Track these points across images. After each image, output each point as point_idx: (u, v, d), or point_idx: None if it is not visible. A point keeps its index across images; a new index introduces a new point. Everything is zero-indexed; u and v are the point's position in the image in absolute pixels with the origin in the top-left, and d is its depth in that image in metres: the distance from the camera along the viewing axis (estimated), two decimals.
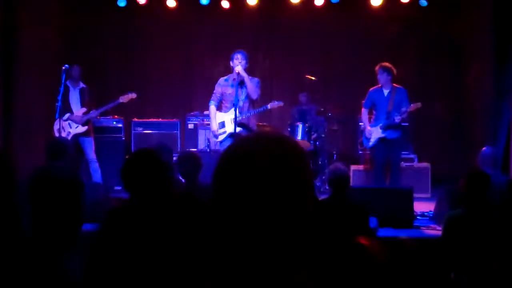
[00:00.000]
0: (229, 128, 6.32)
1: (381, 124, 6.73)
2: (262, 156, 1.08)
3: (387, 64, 6.74)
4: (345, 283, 1.22)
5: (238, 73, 6.21)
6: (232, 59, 6.29)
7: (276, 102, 6.68)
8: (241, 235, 1.05)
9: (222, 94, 6.42)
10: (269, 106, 6.60)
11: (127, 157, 3.01)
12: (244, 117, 6.33)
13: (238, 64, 6.21)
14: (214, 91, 6.47)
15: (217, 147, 7.06)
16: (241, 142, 1.13)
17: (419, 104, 6.61)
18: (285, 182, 1.06)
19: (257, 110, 6.54)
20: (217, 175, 1.11)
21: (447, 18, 8.95)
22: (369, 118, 7.03)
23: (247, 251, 1.05)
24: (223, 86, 6.41)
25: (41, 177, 3.80)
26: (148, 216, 2.30)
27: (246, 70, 6.35)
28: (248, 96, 6.36)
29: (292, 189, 1.07)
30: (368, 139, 6.85)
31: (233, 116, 6.22)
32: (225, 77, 6.47)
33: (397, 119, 6.65)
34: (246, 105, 6.39)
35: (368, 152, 7.44)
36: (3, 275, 2.05)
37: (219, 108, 6.52)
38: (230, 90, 6.34)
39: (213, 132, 6.50)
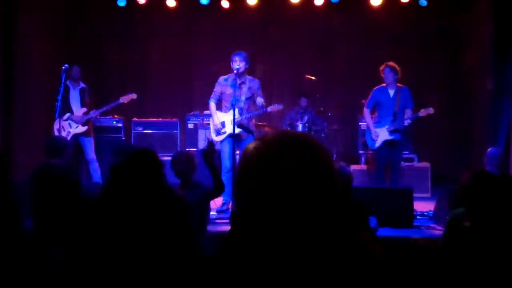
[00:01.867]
0: (229, 128, 6.33)
1: (387, 126, 6.70)
2: (289, 156, 1.06)
3: (394, 64, 6.71)
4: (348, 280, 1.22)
5: (237, 74, 6.23)
6: (231, 60, 6.33)
7: (276, 105, 6.72)
8: (264, 234, 1.04)
9: (221, 94, 6.46)
10: (269, 109, 6.65)
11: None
12: (244, 118, 6.36)
13: (237, 66, 6.24)
14: (214, 90, 6.52)
15: (217, 147, 7.06)
16: (267, 142, 1.11)
17: (431, 110, 6.58)
18: (312, 181, 1.05)
19: (257, 112, 6.58)
20: (243, 176, 1.09)
21: (447, 18, 8.95)
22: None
23: (268, 250, 1.04)
24: (222, 85, 6.45)
25: (40, 176, 3.81)
26: (138, 212, 2.31)
27: (246, 71, 6.37)
28: (249, 98, 6.40)
29: (319, 189, 1.06)
30: (374, 140, 6.82)
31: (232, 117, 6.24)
32: (225, 77, 6.50)
33: (407, 122, 6.65)
34: (247, 106, 6.42)
35: (371, 152, 7.42)
36: (2, 271, 2.06)
37: (219, 107, 6.56)
38: (229, 90, 6.37)
39: (215, 126, 6.49)
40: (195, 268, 1.99)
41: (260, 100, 6.41)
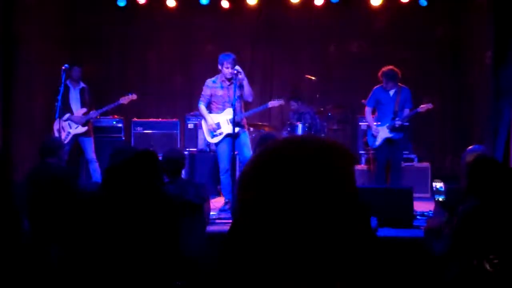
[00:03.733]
0: (225, 129, 6.31)
1: (388, 124, 6.72)
2: (310, 160, 0.98)
3: (391, 69, 6.67)
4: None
5: (237, 75, 6.20)
6: (221, 64, 6.27)
7: (276, 101, 6.69)
8: (277, 244, 0.96)
9: (211, 96, 6.41)
10: (269, 104, 6.64)
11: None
12: (239, 117, 6.33)
13: (229, 72, 6.20)
14: (203, 93, 6.45)
15: (212, 148, 7.06)
16: (283, 144, 1.03)
17: (430, 105, 6.61)
18: (332, 188, 0.97)
19: (258, 109, 6.57)
20: (254, 178, 1.00)
21: (447, 18, 8.95)
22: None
23: (279, 262, 0.96)
24: (211, 88, 6.40)
25: (36, 175, 3.82)
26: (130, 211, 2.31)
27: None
28: (240, 97, 6.36)
29: (339, 196, 0.97)
30: (375, 139, 6.82)
31: (228, 117, 6.22)
32: (213, 79, 6.45)
33: (397, 123, 6.65)
34: (239, 105, 6.39)
35: (371, 152, 7.42)
36: (2, 270, 2.06)
37: (209, 109, 6.50)
38: (220, 92, 6.35)
39: (209, 127, 6.41)
40: (180, 268, 1.99)
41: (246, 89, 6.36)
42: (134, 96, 7.21)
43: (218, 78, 6.40)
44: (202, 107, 6.47)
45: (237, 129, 6.25)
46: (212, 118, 6.42)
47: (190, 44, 9.41)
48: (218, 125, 6.38)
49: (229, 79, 6.30)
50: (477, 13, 8.19)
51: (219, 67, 6.32)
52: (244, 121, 6.59)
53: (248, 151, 6.35)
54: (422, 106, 6.64)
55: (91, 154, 7.15)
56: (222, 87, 6.34)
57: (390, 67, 6.72)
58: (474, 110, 8.38)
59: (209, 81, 6.45)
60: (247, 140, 6.45)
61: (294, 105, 8.41)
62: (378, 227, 4.77)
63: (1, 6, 7.03)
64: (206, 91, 6.43)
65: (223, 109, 6.32)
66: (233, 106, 6.12)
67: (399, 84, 6.77)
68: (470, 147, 5.31)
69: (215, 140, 6.43)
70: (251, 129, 7.77)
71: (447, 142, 8.97)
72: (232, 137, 6.20)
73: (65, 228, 3.62)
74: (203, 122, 6.62)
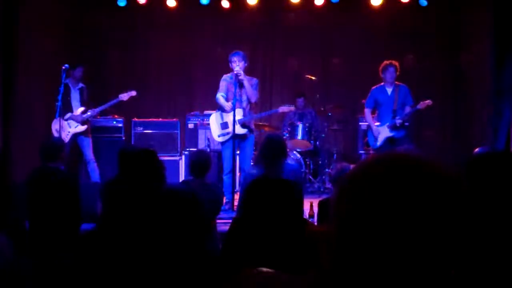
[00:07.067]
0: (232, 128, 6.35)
1: (388, 123, 6.72)
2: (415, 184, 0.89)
3: (395, 62, 6.73)
4: None
5: (237, 76, 6.21)
6: (230, 61, 6.31)
7: (286, 106, 6.74)
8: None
9: (228, 91, 6.41)
10: (279, 110, 6.68)
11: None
12: (247, 119, 6.36)
13: (237, 66, 6.22)
14: (220, 85, 6.45)
15: (218, 147, 7.09)
16: (381, 163, 0.92)
17: (429, 102, 6.61)
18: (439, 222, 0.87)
19: (267, 113, 6.62)
20: (350, 199, 0.91)
21: (447, 18, 8.95)
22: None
23: None
24: (228, 82, 6.41)
25: (36, 179, 3.81)
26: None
27: (245, 70, 6.36)
28: (249, 99, 6.40)
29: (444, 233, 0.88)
30: (376, 139, 6.82)
31: (237, 117, 6.22)
32: (229, 75, 6.46)
33: (398, 122, 6.65)
34: (249, 106, 6.43)
35: (372, 152, 7.42)
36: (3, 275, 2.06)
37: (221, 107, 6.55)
38: (233, 89, 6.37)
39: (227, 107, 6.31)
40: (202, 268, 1.98)
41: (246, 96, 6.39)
42: (134, 93, 7.20)
43: (233, 75, 6.42)
44: (220, 97, 6.38)
45: (244, 131, 6.29)
46: (222, 116, 6.44)
47: (190, 44, 9.41)
48: (226, 125, 6.39)
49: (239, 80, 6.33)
50: (477, 12, 8.19)
51: (230, 65, 6.35)
52: (253, 123, 6.62)
53: (248, 156, 6.42)
54: (421, 103, 6.64)
55: (90, 154, 7.15)
56: (233, 85, 6.36)
57: (395, 62, 6.76)
58: (474, 110, 8.37)
59: (226, 76, 6.47)
60: (250, 145, 6.48)
61: (301, 101, 8.42)
62: None
63: (2, 6, 7.03)
64: (223, 84, 6.43)
65: (233, 109, 6.32)
66: (233, 105, 6.15)
67: (396, 82, 6.79)
68: (477, 149, 5.31)
69: (221, 139, 6.45)
70: None
71: (447, 142, 8.96)
72: (238, 138, 6.27)
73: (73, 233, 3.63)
74: (211, 120, 6.60)
